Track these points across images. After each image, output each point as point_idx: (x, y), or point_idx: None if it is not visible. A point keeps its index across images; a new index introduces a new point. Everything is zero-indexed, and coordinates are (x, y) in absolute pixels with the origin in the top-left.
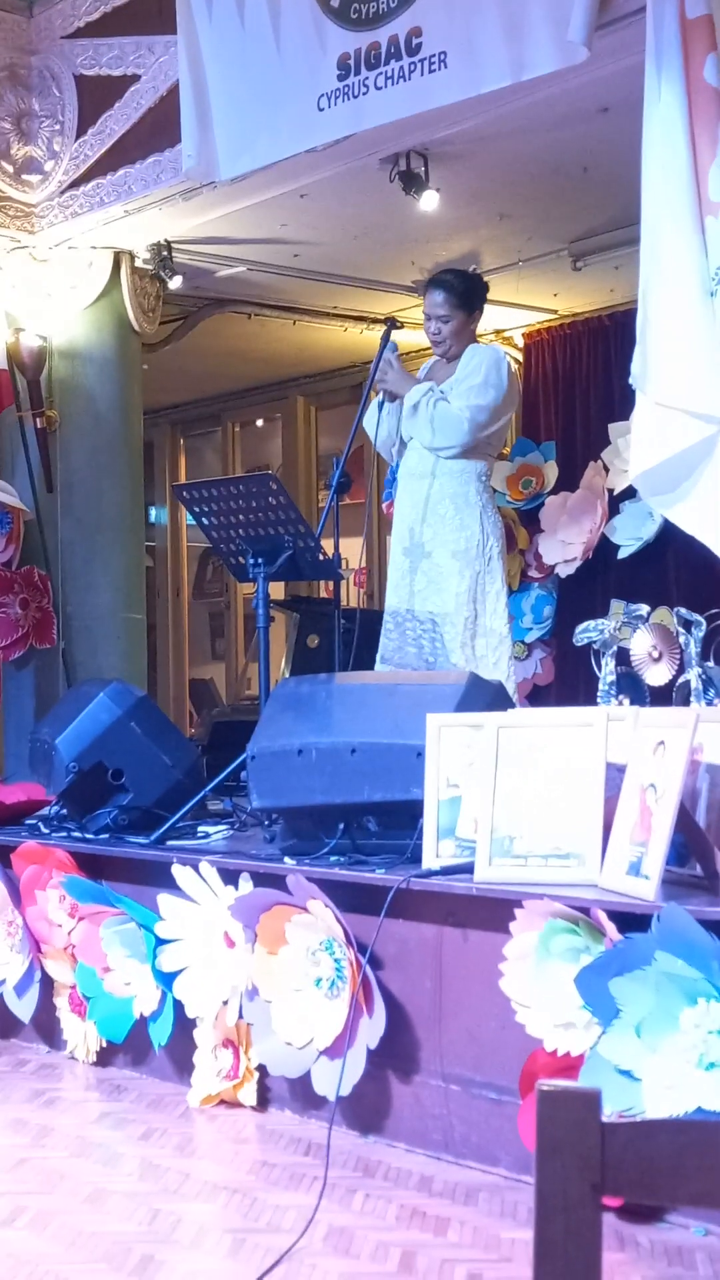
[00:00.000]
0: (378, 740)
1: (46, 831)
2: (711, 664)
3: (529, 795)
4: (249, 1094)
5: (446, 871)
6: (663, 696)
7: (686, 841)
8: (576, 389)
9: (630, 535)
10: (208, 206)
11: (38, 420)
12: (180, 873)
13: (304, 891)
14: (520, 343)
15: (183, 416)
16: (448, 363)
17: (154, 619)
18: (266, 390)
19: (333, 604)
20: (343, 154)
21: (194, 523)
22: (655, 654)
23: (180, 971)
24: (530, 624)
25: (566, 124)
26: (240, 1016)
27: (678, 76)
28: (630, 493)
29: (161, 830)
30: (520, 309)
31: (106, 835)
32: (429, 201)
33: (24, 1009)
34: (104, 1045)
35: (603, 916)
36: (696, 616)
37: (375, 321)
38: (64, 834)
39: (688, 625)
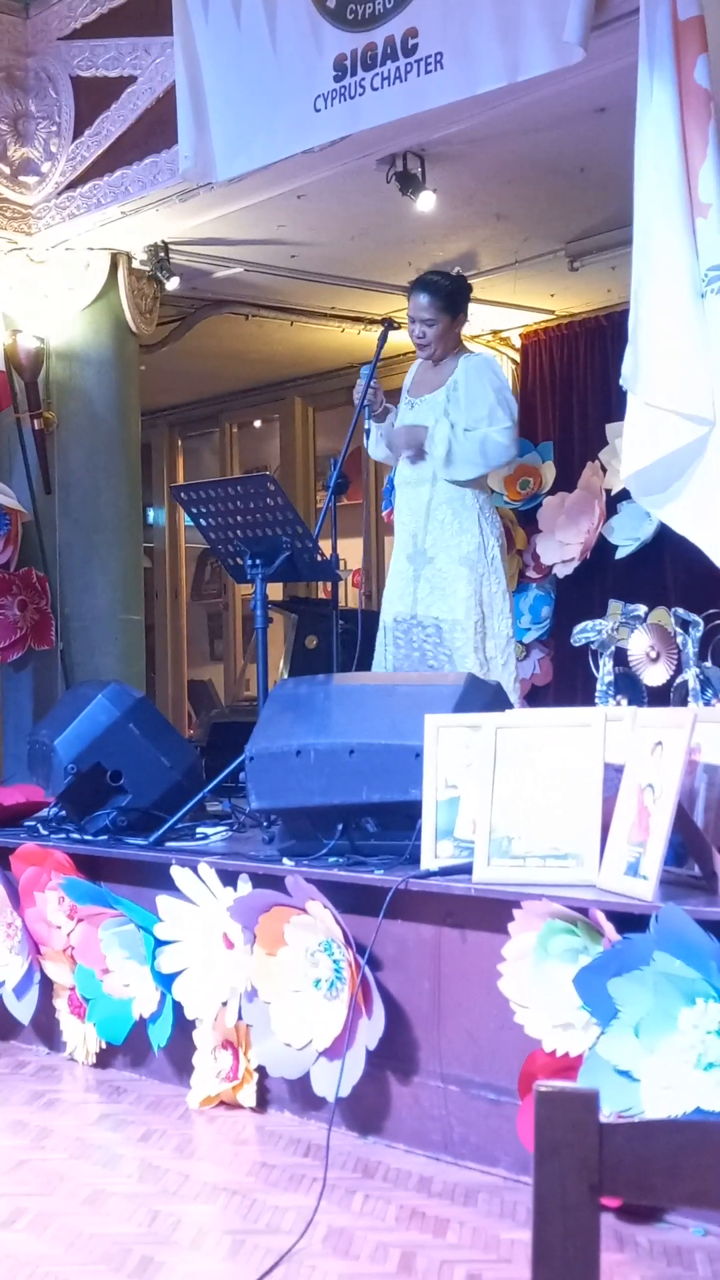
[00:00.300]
0: (376, 741)
1: (45, 833)
2: (709, 664)
3: (527, 796)
4: (248, 1095)
5: (445, 872)
6: (660, 697)
7: (684, 842)
8: (574, 389)
9: (628, 535)
10: (205, 207)
11: (35, 421)
12: (179, 874)
13: (303, 892)
14: (517, 343)
15: (180, 417)
16: (434, 365)
17: (152, 620)
18: (264, 391)
19: (331, 605)
20: (339, 155)
21: (192, 524)
22: (653, 654)
23: (179, 973)
24: (528, 624)
25: (563, 124)
26: (239, 1018)
27: (670, 77)
28: (628, 493)
29: (160, 832)
30: (517, 309)
31: (105, 837)
32: (426, 202)
33: (23, 1011)
34: (103, 1047)
35: (601, 917)
36: (694, 617)
37: (372, 322)
38: (63, 835)
39: (685, 625)
